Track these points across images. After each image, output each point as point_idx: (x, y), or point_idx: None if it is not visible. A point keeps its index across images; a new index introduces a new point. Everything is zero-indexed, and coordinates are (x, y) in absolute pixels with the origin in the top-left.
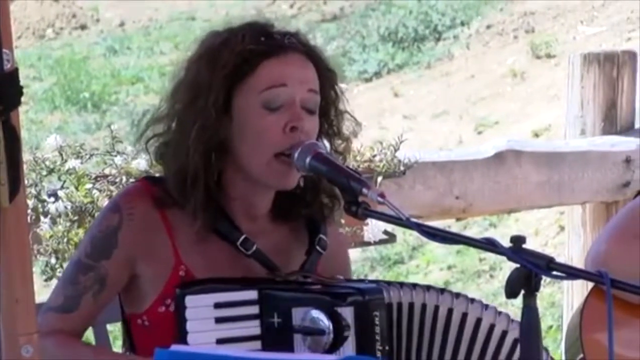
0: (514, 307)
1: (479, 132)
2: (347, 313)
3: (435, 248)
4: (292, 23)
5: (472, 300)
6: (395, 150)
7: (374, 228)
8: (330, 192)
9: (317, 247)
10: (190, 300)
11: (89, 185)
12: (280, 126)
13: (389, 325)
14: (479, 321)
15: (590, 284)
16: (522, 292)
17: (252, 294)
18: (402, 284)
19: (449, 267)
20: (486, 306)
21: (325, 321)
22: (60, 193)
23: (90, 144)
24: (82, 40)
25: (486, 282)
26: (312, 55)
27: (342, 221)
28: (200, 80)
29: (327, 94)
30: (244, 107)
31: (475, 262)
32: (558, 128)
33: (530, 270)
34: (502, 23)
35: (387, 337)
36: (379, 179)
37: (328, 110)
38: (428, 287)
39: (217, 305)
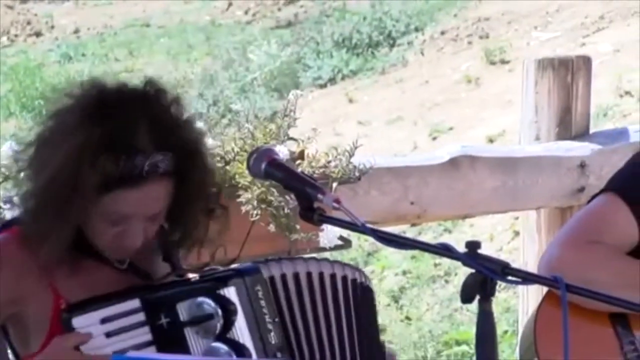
0: (470, 312)
1: (433, 138)
2: (230, 293)
3: (390, 254)
4: (246, 29)
5: (328, 260)
6: (350, 156)
7: (329, 234)
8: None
9: (173, 251)
10: (77, 321)
11: None
12: (112, 236)
13: (275, 298)
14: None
15: (546, 289)
16: (478, 297)
17: (134, 303)
18: (281, 259)
19: (404, 273)
20: (334, 262)
21: (211, 305)
22: (16, 200)
23: None
24: (37, 47)
25: (441, 288)
26: (179, 166)
27: (298, 227)
28: (62, 186)
29: (191, 190)
30: (91, 212)
31: (430, 267)
32: (512, 133)
33: (485, 275)
34: (456, 29)
35: (275, 309)
36: (334, 184)
37: (191, 199)
38: (305, 259)
39: (104, 321)
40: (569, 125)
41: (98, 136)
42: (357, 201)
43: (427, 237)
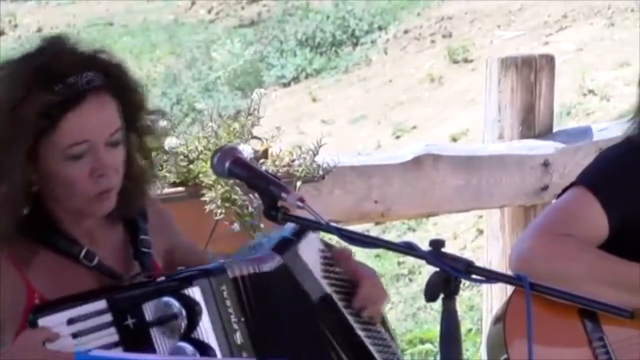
0: (434, 311)
1: (397, 137)
2: (195, 293)
3: (354, 252)
4: (209, 28)
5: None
6: (314, 155)
7: None
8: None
9: (143, 249)
10: (43, 322)
11: None
12: (86, 174)
13: (239, 298)
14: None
15: (510, 287)
16: (442, 295)
17: (101, 304)
18: (242, 259)
19: None
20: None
21: (176, 305)
22: None
23: None
24: (2, 45)
25: (405, 286)
26: (111, 83)
27: (262, 225)
28: (2, 138)
29: (130, 113)
30: (49, 160)
31: (394, 266)
32: (476, 132)
33: (449, 273)
34: (419, 28)
35: (240, 309)
36: (298, 183)
37: (134, 123)
38: (267, 258)
39: (70, 322)
40: (533, 123)
41: (25, 79)
42: (321, 200)
43: (391, 236)
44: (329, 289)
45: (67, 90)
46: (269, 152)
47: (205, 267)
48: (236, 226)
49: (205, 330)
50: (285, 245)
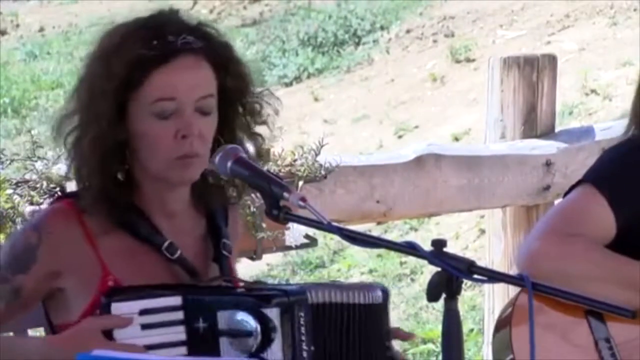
0: (435, 311)
1: (399, 136)
2: (273, 314)
3: (356, 252)
4: None
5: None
6: (316, 155)
7: (295, 232)
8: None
9: (224, 252)
10: (116, 307)
11: (9, 191)
12: (171, 134)
13: (314, 326)
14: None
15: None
16: (444, 295)
17: (176, 300)
18: (324, 284)
19: (370, 271)
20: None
21: (252, 323)
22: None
23: (11, 150)
24: (2, 45)
25: (407, 286)
26: (210, 50)
27: (264, 225)
28: (95, 86)
29: (229, 85)
30: (136, 115)
31: (396, 265)
32: (478, 132)
33: (451, 273)
34: (421, 27)
35: (312, 337)
36: (300, 183)
37: (234, 99)
38: (349, 286)
39: (143, 312)
40: (535, 123)
41: (125, 32)
42: (323, 200)
43: (393, 236)
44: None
45: (163, 46)
46: (271, 152)
47: (287, 287)
48: None
49: (274, 352)
50: (383, 291)
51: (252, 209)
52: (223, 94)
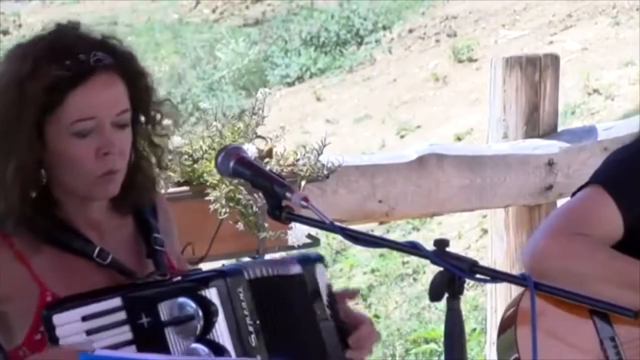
0: (438, 311)
1: (401, 136)
2: (212, 294)
3: (358, 252)
4: (214, 28)
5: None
6: (319, 155)
7: (297, 232)
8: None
9: (156, 247)
10: (57, 318)
11: None
12: (92, 153)
13: (255, 301)
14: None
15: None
16: (446, 295)
17: (116, 301)
18: (260, 261)
19: (373, 271)
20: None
21: (192, 306)
22: None
23: None
24: (4, 45)
25: (409, 286)
26: (120, 65)
27: (266, 225)
28: (11, 113)
29: (138, 98)
30: (54, 136)
31: (398, 265)
32: (480, 132)
33: (453, 273)
34: (424, 27)
35: (256, 312)
36: (303, 183)
37: (139, 110)
38: (283, 259)
39: (85, 319)
40: (537, 123)
41: (34, 55)
42: (325, 199)
43: (395, 236)
44: (329, 317)
45: (76, 65)
46: (274, 152)
47: (223, 268)
48: (240, 225)
49: (221, 331)
50: (307, 261)
51: (254, 208)
52: (132, 105)
